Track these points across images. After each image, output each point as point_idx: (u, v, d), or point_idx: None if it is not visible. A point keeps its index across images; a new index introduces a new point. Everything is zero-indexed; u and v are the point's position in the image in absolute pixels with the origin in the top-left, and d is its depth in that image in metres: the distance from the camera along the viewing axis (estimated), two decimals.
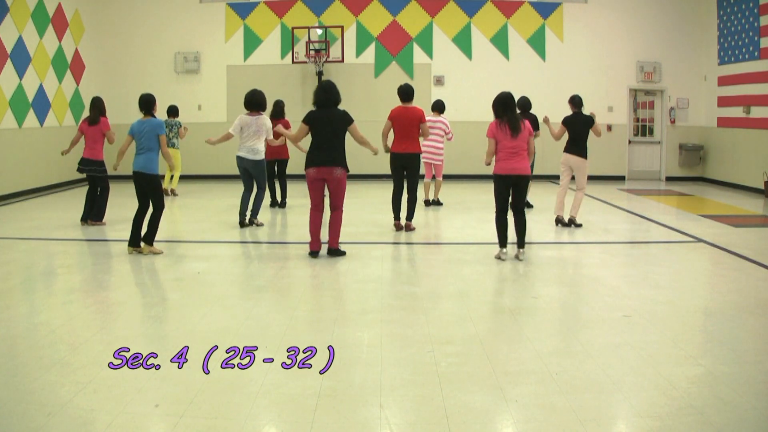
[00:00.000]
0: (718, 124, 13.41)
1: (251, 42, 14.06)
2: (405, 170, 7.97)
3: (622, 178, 14.29)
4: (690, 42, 14.01)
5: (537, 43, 14.05)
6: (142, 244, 6.82)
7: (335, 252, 6.70)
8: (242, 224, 8.32)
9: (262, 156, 8.29)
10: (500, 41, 14.05)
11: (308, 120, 6.54)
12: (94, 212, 8.49)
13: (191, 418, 3.18)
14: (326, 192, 6.77)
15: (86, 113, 10.06)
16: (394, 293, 5.45)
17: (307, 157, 6.57)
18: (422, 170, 9.05)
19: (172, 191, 11.32)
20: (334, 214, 6.67)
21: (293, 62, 13.69)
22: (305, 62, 13.50)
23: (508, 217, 6.64)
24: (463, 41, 14.07)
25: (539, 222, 8.80)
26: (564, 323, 4.73)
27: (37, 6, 11.62)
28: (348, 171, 6.62)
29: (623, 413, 3.30)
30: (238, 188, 10.93)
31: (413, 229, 8.10)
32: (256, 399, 3.39)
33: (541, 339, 4.28)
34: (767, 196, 11.41)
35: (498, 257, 6.60)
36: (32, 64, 11.50)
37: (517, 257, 6.59)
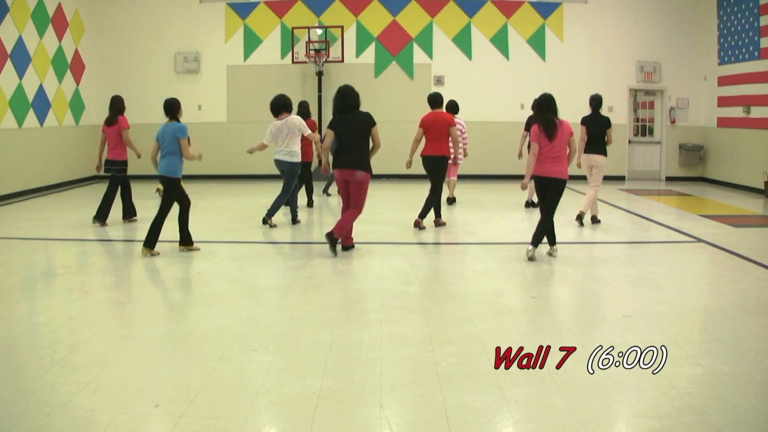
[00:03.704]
0: (718, 124, 13.40)
1: (251, 42, 14.05)
2: (432, 172, 8.16)
3: (622, 178, 14.28)
4: (690, 42, 14.00)
5: (537, 43, 14.04)
6: (144, 247, 6.72)
7: (331, 237, 6.63)
8: (294, 220, 8.65)
9: (298, 159, 8.29)
10: (500, 41, 14.04)
11: (332, 126, 6.82)
12: (125, 211, 8.69)
13: (191, 418, 3.18)
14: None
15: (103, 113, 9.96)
16: (395, 293, 5.44)
17: (333, 158, 6.88)
18: None
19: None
20: (350, 210, 6.86)
21: (293, 62, 13.69)
22: (305, 62, 13.50)
23: (553, 219, 6.62)
24: (463, 41, 14.05)
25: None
26: (564, 323, 4.73)
27: (37, 6, 11.61)
28: (371, 173, 6.78)
29: (623, 413, 3.31)
30: (240, 188, 10.87)
31: (423, 227, 8.17)
32: (256, 399, 3.39)
33: (541, 339, 4.27)
34: (767, 196, 11.41)
35: (550, 254, 6.64)
36: (32, 64, 11.50)
37: (529, 256, 6.49)
